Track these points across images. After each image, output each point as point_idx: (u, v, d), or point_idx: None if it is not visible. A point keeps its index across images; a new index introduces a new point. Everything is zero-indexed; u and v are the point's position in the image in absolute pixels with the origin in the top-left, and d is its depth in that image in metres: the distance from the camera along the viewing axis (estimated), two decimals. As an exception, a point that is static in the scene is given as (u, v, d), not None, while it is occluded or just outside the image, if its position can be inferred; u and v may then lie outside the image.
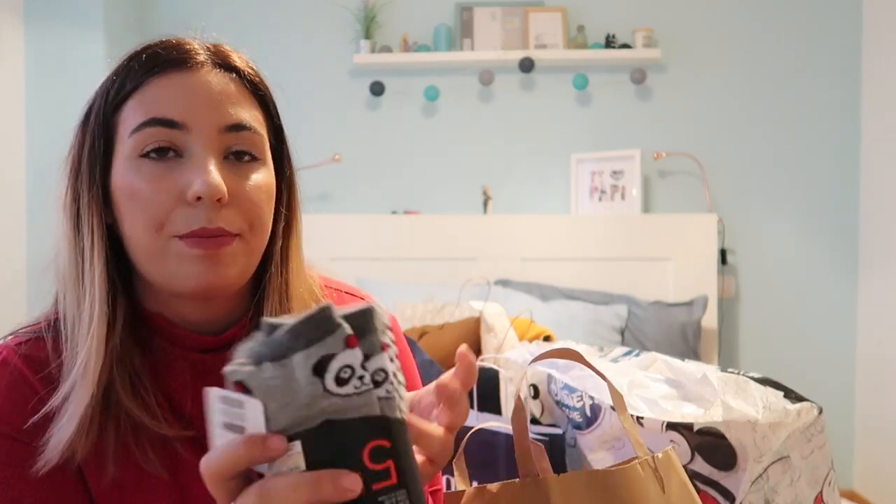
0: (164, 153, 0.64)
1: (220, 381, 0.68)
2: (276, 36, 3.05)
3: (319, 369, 0.41)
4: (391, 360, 0.44)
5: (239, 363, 0.42)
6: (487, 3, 2.98)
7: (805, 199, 2.94)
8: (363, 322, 0.43)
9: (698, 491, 0.89)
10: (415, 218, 2.92)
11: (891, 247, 2.73)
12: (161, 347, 0.71)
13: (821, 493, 0.93)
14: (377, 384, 0.42)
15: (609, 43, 2.93)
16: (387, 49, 2.99)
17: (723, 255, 2.89)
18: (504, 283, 2.75)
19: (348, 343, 0.41)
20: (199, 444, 0.70)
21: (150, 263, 0.65)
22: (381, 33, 3.02)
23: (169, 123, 0.64)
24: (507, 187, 3.02)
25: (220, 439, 0.43)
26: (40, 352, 0.67)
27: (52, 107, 2.72)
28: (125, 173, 0.65)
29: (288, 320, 0.42)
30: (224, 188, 0.63)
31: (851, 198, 2.93)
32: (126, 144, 0.65)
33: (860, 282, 2.92)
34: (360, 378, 0.42)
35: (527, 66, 2.91)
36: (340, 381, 0.41)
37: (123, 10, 2.93)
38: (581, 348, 1.22)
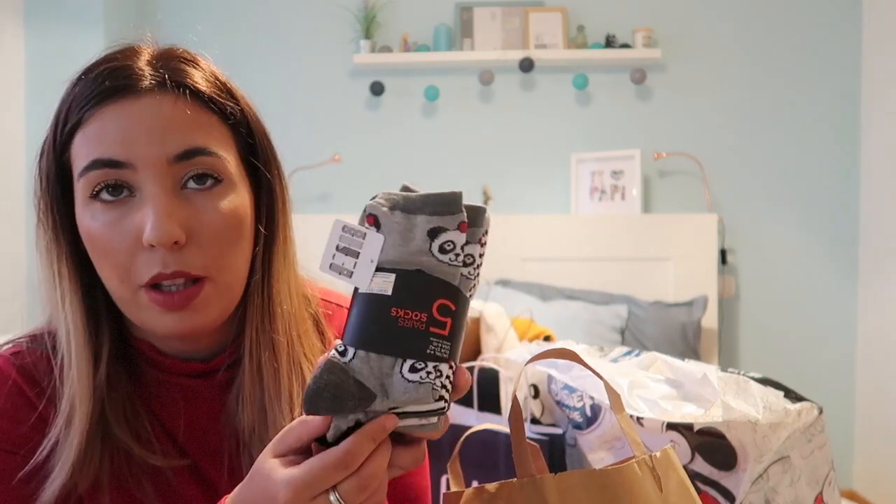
0: (116, 192, 0.59)
1: (212, 406, 0.69)
2: (276, 36, 3.05)
3: (432, 234, 0.51)
4: (480, 254, 0.54)
5: (378, 202, 0.52)
6: (487, 3, 2.98)
7: (805, 199, 2.94)
8: (476, 217, 0.53)
9: (698, 491, 0.89)
10: (415, 218, 2.91)
11: (891, 247, 2.73)
12: (150, 373, 0.68)
13: (821, 493, 0.93)
14: (464, 265, 0.52)
15: (609, 43, 2.93)
16: (387, 49, 2.99)
17: (723, 255, 2.89)
18: (504, 283, 2.75)
19: (460, 227, 0.51)
20: (194, 473, 0.68)
21: (124, 310, 0.63)
22: (381, 33, 3.02)
23: (112, 164, 0.59)
24: (507, 187, 3.01)
25: (334, 259, 0.52)
26: (36, 365, 0.66)
27: (52, 107, 2.71)
28: (83, 218, 0.61)
29: (423, 191, 0.52)
30: (175, 232, 0.58)
31: (851, 197, 2.92)
32: (78, 187, 0.61)
33: (860, 281, 2.91)
34: (456, 255, 0.52)
35: (527, 66, 2.91)
36: (442, 250, 0.51)
37: (123, 9, 2.93)
38: (581, 348, 1.22)
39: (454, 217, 0.51)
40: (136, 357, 0.68)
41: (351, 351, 0.51)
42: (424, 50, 2.98)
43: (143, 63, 0.62)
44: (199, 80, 0.63)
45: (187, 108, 0.61)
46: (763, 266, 2.96)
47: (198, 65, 0.65)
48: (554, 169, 3.01)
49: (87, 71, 0.63)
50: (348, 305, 0.80)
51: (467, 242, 0.52)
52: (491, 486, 0.58)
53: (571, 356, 0.62)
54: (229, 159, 0.63)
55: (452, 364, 0.51)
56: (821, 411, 0.93)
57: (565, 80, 2.99)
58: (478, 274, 0.54)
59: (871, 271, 2.86)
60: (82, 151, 0.60)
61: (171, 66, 0.62)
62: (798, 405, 0.92)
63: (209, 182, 0.61)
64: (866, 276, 2.89)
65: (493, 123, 3.03)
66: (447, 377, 0.51)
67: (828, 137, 2.93)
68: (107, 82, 0.61)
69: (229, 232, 0.62)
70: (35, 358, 0.66)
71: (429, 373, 0.50)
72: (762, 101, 2.94)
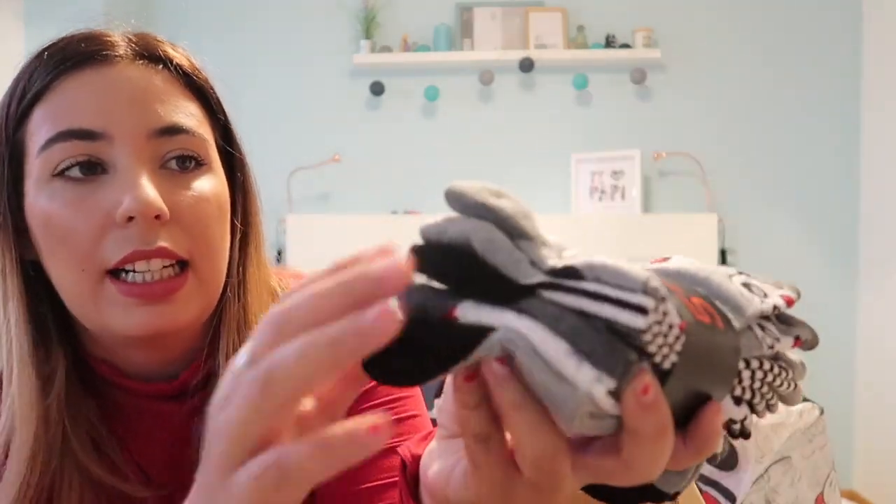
0: (90, 170, 0.52)
1: (186, 433, 0.59)
2: (276, 36, 3.05)
3: None
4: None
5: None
6: (487, 3, 2.98)
7: (805, 199, 2.94)
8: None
9: (700, 491, 0.89)
10: (415, 218, 2.92)
11: (891, 247, 2.73)
12: (118, 399, 0.60)
13: (822, 493, 0.93)
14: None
15: (609, 43, 2.93)
16: (387, 49, 2.99)
17: (723, 255, 2.89)
18: (504, 283, 2.75)
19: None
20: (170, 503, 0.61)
21: (79, 307, 0.54)
22: (381, 33, 3.02)
23: (86, 135, 0.52)
24: (507, 187, 2.99)
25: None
26: None
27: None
28: (37, 199, 0.53)
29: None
30: (160, 202, 0.51)
31: (852, 197, 2.93)
32: (35, 164, 0.53)
33: (860, 282, 2.92)
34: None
35: (527, 66, 2.91)
36: None
37: (124, 10, 2.92)
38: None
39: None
40: (98, 382, 0.60)
41: None
42: (424, 50, 2.98)
43: (117, 36, 0.58)
44: (174, 55, 0.58)
45: (168, 83, 0.56)
46: (763, 266, 2.95)
47: (174, 45, 0.60)
48: (554, 169, 3.01)
49: (52, 43, 0.56)
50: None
51: None
52: None
53: None
54: (210, 143, 0.58)
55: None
56: (822, 412, 0.93)
57: (565, 81, 2.99)
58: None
59: (871, 271, 2.86)
60: (46, 123, 0.52)
61: (148, 41, 0.58)
62: (799, 406, 0.92)
63: (191, 164, 0.55)
64: (866, 276, 2.89)
65: (493, 123, 3.03)
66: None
67: (828, 138, 2.93)
68: (78, 46, 0.55)
69: (213, 217, 0.56)
70: None
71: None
72: (762, 101, 2.94)
